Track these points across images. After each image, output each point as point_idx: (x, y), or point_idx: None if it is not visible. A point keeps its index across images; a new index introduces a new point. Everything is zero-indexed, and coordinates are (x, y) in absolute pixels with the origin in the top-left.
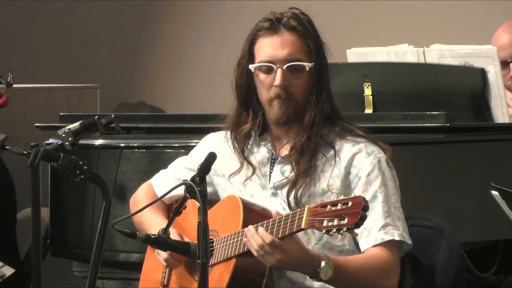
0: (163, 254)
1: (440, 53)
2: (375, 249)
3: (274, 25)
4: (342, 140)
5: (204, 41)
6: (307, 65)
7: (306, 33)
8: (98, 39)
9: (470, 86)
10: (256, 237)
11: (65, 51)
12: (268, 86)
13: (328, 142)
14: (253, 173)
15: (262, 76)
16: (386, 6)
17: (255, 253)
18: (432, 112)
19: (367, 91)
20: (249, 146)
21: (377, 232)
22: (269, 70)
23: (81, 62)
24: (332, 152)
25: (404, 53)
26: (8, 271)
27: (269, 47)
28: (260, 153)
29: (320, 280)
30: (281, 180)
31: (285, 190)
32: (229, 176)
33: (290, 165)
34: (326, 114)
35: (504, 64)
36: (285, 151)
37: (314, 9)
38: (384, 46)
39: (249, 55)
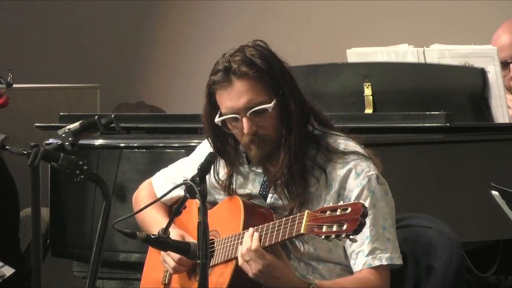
0: (171, 263)
1: (440, 53)
2: (364, 272)
3: (225, 76)
4: (331, 162)
5: (204, 41)
6: (269, 106)
7: (260, 74)
8: (98, 39)
9: (470, 86)
10: (248, 239)
11: (65, 51)
12: (240, 134)
13: (318, 164)
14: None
15: (230, 126)
16: (386, 6)
17: (240, 259)
18: (432, 112)
19: (367, 91)
20: (233, 185)
21: (365, 257)
22: (235, 120)
23: (81, 62)
24: (323, 176)
25: (404, 53)
26: (8, 271)
27: (227, 100)
28: (250, 175)
29: None
30: (278, 204)
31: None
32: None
33: (281, 194)
34: (308, 135)
35: (504, 64)
36: (276, 175)
37: (314, 9)
38: (384, 46)
39: (212, 107)
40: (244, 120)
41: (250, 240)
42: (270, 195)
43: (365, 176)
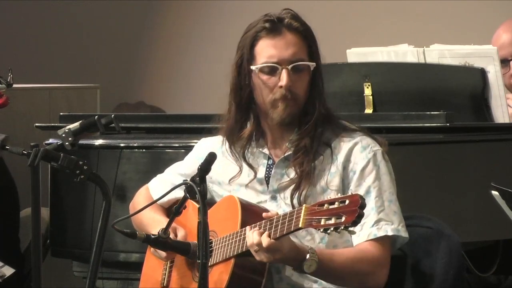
0: (161, 253)
1: (440, 53)
2: (365, 244)
3: (276, 25)
4: (338, 137)
5: (204, 41)
6: (311, 64)
7: (308, 34)
8: (98, 39)
9: (470, 86)
10: (255, 236)
11: (65, 51)
12: (272, 87)
13: (324, 141)
14: (255, 176)
15: (265, 77)
16: (386, 6)
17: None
18: (432, 112)
19: (367, 91)
20: (249, 149)
21: (370, 228)
22: (272, 71)
23: (81, 62)
24: (328, 150)
25: (404, 53)
26: (8, 271)
27: (273, 48)
28: (257, 158)
29: (303, 272)
30: (282, 183)
31: (287, 192)
32: (229, 180)
33: (290, 168)
34: (323, 114)
35: (504, 62)
36: (282, 154)
37: (314, 9)
38: (384, 46)
39: (250, 56)
40: (285, 72)
41: (257, 235)
42: (274, 171)
43: (371, 150)
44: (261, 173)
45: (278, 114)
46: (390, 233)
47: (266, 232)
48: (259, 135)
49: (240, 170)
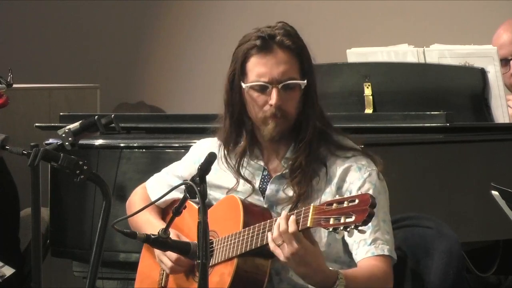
0: (168, 263)
1: (440, 53)
2: (372, 260)
3: (267, 43)
4: (333, 156)
5: (204, 41)
6: (302, 83)
7: (300, 51)
8: (98, 39)
9: (470, 86)
10: (282, 222)
11: (65, 51)
12: (262, 105)
13: (319, 158)
14: (253, 189)
15: (255, 95)
16: (386, 6)
17: (271, 244)
18: (432, 112)
19: (367, 91)
20: (244, 164)
21: (368, 246)
22: (263, 89)
23: (81, 62)
24: (324, 169)
25: (404, 53)
26: (8, 271)
27: (264, 66)
28: (252, 170)
29: None
30: (278, 198)
31: (284, 207)
32: (227, 192)
33: (288, 186)
34: (318, 129)
35: (505, 61)
36: (277, 169)
37: (314, 9)
38: (384, 46)
39: (241, 72)
40: (274, 91)
41: (285, 223)
42: (271, 185)
43: (366, 170)
44: (256, 183)
45: (268, 131)
46: (386, 253)
47: (294, 217)
48: (254, 146)
49: (238, 182)
